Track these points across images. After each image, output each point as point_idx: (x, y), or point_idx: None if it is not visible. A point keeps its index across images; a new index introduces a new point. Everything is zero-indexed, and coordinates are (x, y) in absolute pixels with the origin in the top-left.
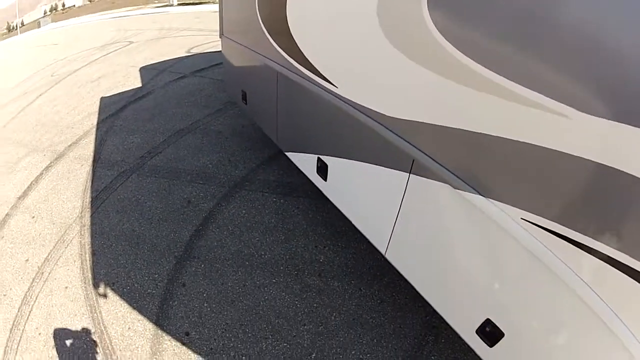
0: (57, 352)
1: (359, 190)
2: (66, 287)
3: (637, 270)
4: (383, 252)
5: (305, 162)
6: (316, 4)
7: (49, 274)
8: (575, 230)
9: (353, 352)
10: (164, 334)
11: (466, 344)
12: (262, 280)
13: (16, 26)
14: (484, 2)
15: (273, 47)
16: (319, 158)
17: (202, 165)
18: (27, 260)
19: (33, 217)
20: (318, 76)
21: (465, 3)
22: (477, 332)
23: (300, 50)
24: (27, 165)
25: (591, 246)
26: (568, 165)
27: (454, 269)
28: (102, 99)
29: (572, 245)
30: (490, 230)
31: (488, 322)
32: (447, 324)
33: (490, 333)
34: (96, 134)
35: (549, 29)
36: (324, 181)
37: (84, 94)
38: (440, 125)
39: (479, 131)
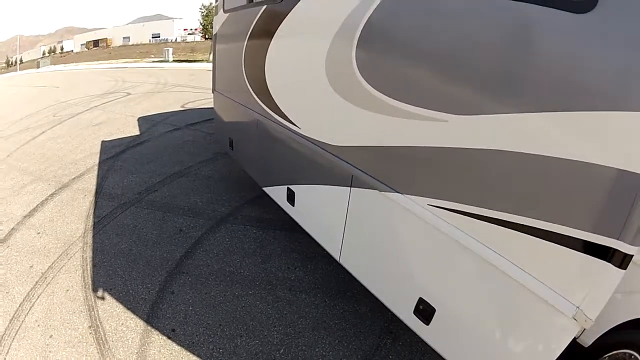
0: (54, 341)
1: (317, 209)
2: (67, 290)
3: (525, 225)
4: (337, 258)
5: (278, 193)
6: (284, 68)
7: (52, 278)
8: (467, 204)
9: (317, 350)
10: (152, 330)
11: (421, 346)
12: (240, 291)
13: (15, 62)
14: (390, 59)
15: (255, 99)
16: (288, 187)
17: (193, 202)
18: (31, 266)
19: (38, 233)
20: (286, 120)
21: (379, 61)
22: (414, 312)
23: (275, 102)
24: (33, 190)
25: (484, 214)
26: (450, 157)
27: (390, 258)
28: (103, 142)
29: (468, 217)
30: (408, 219)
31: (421, 300)
32: (404, 329)
33: (424, 311)
34: (98, 171)
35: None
36: (292, 207)
37: (85, 135)
38: (367, 146)
39: (390, 144)
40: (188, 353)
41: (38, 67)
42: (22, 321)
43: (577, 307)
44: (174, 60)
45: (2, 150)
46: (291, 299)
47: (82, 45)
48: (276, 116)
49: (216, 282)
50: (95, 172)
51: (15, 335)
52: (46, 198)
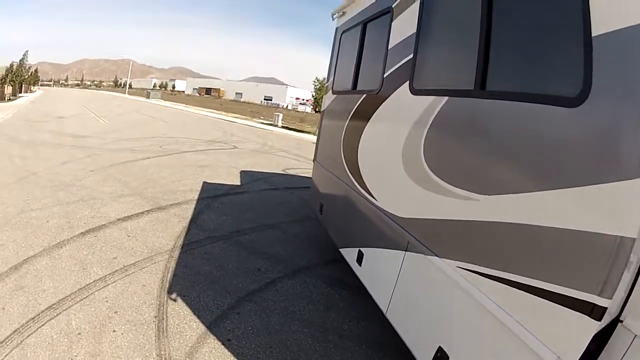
0: (117, 316)
1: (377, 268)
2: (144, 285)
3: (527, 285)
4: (385, 311)
5: (351, 253)
6: (373, 150)
7: (132, 273)
8: (484, 266)
9: None
10: (210, 335)
11: None
12: (297, 328)
13: (124, 84)
14: (445, 153)
15: (347, 173)
16: (359, 250)
17: (276, 251)
18: (115, 258)
19: (129, 236)
20: (368, 193)
21: (438, 153)
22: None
23: (362, 177)
24: (130, 202)
25: (495, 275)
26: (474, 230)
27: (421, 312)
28: (204, 182)
29: (487, 279)
30: (440, 275)
31: (439, 349)
32: None
33: (441, 358)
34: (195, 205)
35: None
36: (359, 266)
37: (188, 173)
38: (422, 218)
39: (436, 217)
40: (234, 359)
41: (148, 97)
42: (91, 294)
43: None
44: (282, 127)
45: (106, 160)
46: (338, 343)
47: (194, 89)
48: (361, 189)
49: (278, 315)
50: (193, 205)
51: (80, 301)
52: (142, 212)
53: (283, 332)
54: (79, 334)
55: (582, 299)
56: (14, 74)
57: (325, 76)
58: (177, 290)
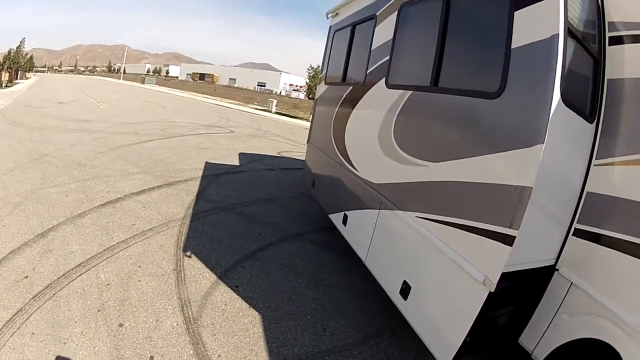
0: (141, 270)
1: (358, 226)
2: (161, 245)
3: (478, 228)
4: (364, 260)
5: (337, 218)
6: (356, 132)
7: (150, 236)
8: (433, 214)
9: (332, 324)
10: (221, 282)
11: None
12: (292, 278)
13: (117, 70)
14: (408, 132)
15: (335, 151)
16: (344, 213)
17: (273, 220)
18: (133, 224)
19: (144, 206)
20: (352, 166)
21: (404, 132)
22: (399, 292)
23: (347, 154)
24: (141, 179)
25: (439, 219)
26: (426, 189)
27: (390, 254)
28: (206, 162)
29: (432, 222)
30: (404, 225)
31: (404, 282)
32: (403, 328)
33: (405, 290)
34: (200, 182)
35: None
36: (344, 227)
37: (191, 154)
38: (390, 182)
39: (400, 181)
40: (242, 301)
41: (143, 82)
42: (116, 253)
43: (485, 276)
44: (276, 112)
45: (112, 142)
46: (327, 290)
47: (187, 74)
48: (346, 163)
49: (277, 269)
50: (198, 181)
51: (107, 259)
52: (153, 187)
53: (281, 281)
54: (108, 284)
55: (499, 231)
56: (12, 60)
57: (320, 64)
58: (191, 249)
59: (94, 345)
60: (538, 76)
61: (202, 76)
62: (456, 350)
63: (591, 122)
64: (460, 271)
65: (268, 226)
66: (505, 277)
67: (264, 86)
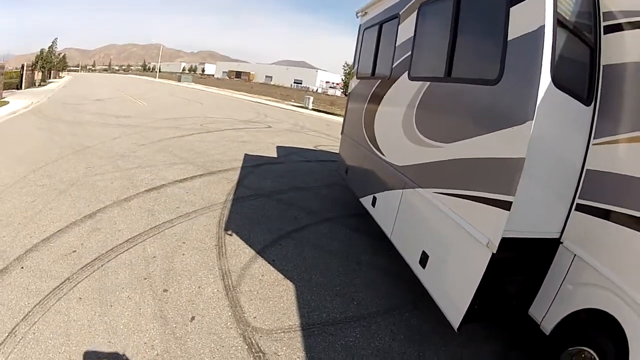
0: (185, 245)
1: (385, 205)
2: (204, 225)
3: (482, 198)
4: (389, 235)
5: (367, 200)
6: (384, 121)
7: (194, 217)
8: (450, 189)
9: (361, 295)
10: (259, 257)
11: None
12: (325, 255)
13: (152, 69)
14: (427, 119)
15: (366, 140)
16: (373, 195)
17: (308, 206)
18: (177, 207)
19: (187, 192)
20: (380, 152)
21: (424, 120)
22: (419, 262)
23: (377, 142)
24: (183, 168)
25: (452, 193)
26: (442, 167)
27: (414, 229)
28: (245, 154)
29: (450, 197)
30: (423, 201)
31: (423, 252)
32: (424, 299)
33: (423, 259)
34: (240, 171)
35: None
36: (373, 208)
37: (231, 146)
38: (412, 164)
39: (419, 163)
40: (277, 273)
41: (179, 80)
42: (161, 231)
43: (488, 240)
44: (313, 109)
45: (153, 136)
46: (356, 268)
47: (224, 72)
48: (375, 150)
49: (311, 247)
50: (238, 171)
51: (153, 236)
52: (195, 175)
53: (314, 257)
54: (154, 257)
55: (499, 198)
56: (44, 60)
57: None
58: (232, 228)
59: (140, 307)
60: (528, 63)
61: (238, 74)
62: (464, 313)
63: (588, 105)
64: (468, 237)
65: (303, 211)
66: (508, 243)
67: (301, 83)
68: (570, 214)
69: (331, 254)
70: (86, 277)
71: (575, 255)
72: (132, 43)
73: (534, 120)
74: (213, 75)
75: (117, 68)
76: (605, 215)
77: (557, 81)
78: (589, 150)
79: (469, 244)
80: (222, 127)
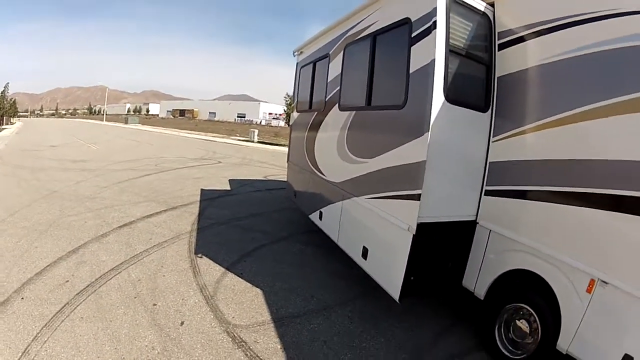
0: (163, 268)
1: (330, 217)
2: (177, 251)
3: (401, 195)
4: (336, 241)
5: (315, 215)
6: (322, 146)
7: (167, 246)
8: (375, 193)
9: (316, 294)
10: (229, 272)
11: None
12: (285, 267)
13: (98, 112)
14: (354, 140)
15: (309, 164)
16: (320, 211)
17: (264, 228)
18: (150, 239)
19: (155, 226)
20: (321, 173)
21: (352, 141)
22: (361, 256)
23: (317, 164)
24: (148, 205)
25: (378, 196)
26: (369, 176)
27: (353, 229)
28: (202, 189)
29: (375, 199)
30: (359, 207)
31: (364, 247)
32: (373, 288)
33: (365, 252)
34: (200, 205)
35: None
36: (320, 221)
37: (187, 183)
38: (347, 179)
39: (352, 177)
40: (246, 283)
41: (126, 122)
42: (141, 259)
43: (408, 225)
44: (259, 142)
45: (113, 178)
46: (310, 272)
47: (168, 111)
48: (317, 172)
49: (270, 261)
50: (197, 205)
51: (134, 264)
52: (160, 211)
53: (275, 268)
54: (139, 280)
55: (412, 193)
56: None
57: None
58: (201, 251)
59: (135, 320)
60: (423, 88)
61: (182, 112)
62: (400, 286)
63: (485, 112)
64: (395, 227)
65: (260, 232)
66: (425, 227)
67: (244, 117)
68: (481, 199)
69: (288, 264)
70: (83, 300)
71: (490, 230)
72: (77, 86)
73: (429, 132)
74: (157, 115)
75: (64, 112)
76: (507, 194)
77: (450, 99)
78: (490, 147)
79: (396, 232)
80: (175, 166)
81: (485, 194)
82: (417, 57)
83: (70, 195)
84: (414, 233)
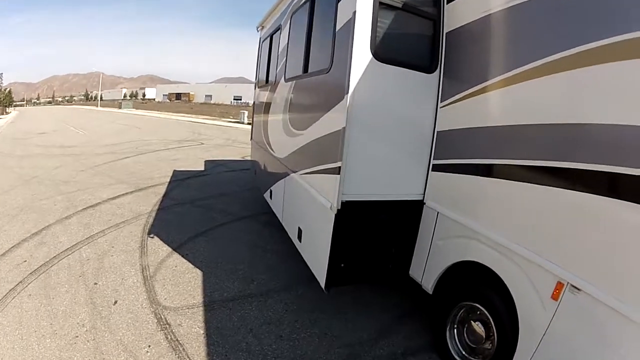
0: (113, 248)
1: (276, 195)
2: (131, 232)
3: (326, 169)
4: (281, 220)
5: (267, 195)
6: (273, 122)
7: (123, 226)
8: (306, 168)
9: (260, 276)
10: (175, 253)
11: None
12: (237, 246)
13: (94, 97)
14: (294, 115)
15: (264, 141)
16: (270, 189)
17: (227, 208)
18: (109, 219)
19: (118, 207)
20: (272, 150)
21: (292, 117)
22: (297, 237)
23: (269, 141)
24: (117, 187)
25: (309, 171)
26: (303, 151)
27: (293, 210)
28: (175, 170)
29: (307, 174)
30: (296, 182)
31: (299, 228)
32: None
33: (300, 234)
34: (168, 186)
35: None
36: (271, 200)
37: (161, 165)
38: (289, 154)
39: (292, 151)
40: (189, 264)
41: (120, 107)
42: (95, 239)
43: (331, 203)
44: (248, 123)
45: (92, 162)
46: (261, 254)
47: (164, 95)
48: (269, 148)
49: (222, 241)
50: (166, 185)
51: (88, 244)
52: (126, 192)
53: (224, 249)
54: (88, 259)
55: (333, 166)
56: None
57: None
58: (154, 232)
59: (75, 297)
60: (345, 45)
61: (178, 96)
62: (325, 272)
63: (431, 72)
64: (320, 205)
65: (221, 212)
66: (354, 205)
67: (241, 99)
68: (429, 175)
69: (241, 244)
70: (34, 279)
71: (438, 212)
72: (73, 73)
73: (349, 94)
74: (154, 99)
75: (60, 100)
76: (456, 169)
77: (380, 56)
78: (437, 114)
79: (322, 211)
80: (156, 148)
81: (432, 169)
82: (343, 12)
83: (47, 180)
84: (336, 213)
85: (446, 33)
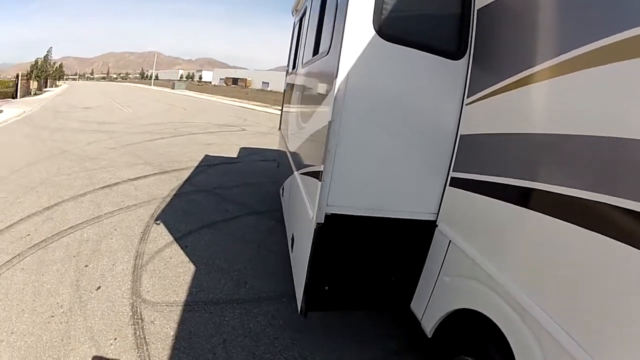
0: (115, 231)
1: (285, 193)
2: (139, 216)
3: (312, 172)
4: (285, 221)
5: (280, 190)
6: (289, 116)
7: (133, 209)
8: (302, 169)
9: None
10: (175, 242)
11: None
12: (240, 244)
13: (150, 76)
14: (303, 104)
15: (283, 133)
16: (282, 186)
17: (246, 200)
18: (122, 201)
19: (136, 189)
20: (287, 143)
21: (301, 106)
22: (290, 246)
23: (287, 131)
24: (141, 168)
25: (304, 172)
26: (303, 147)
27: (291, 213)
28: (206, 155)
29: (304, 175)
30: (295, 182)
31: (292, 235)
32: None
33: (292, 242)
34: (193, 170)
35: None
36: (282, 197)
37: (195, 148)
38: (294, 149)
39: (296, 146)
40: (185, 257)
41: (173, 87)
42: (101, 220)
43: (313, 214)
44: None
45: (125, 140)
46: (265, 255)
47: (220, 79)
48: (285, 141)
49: (228, 236)
50: (191, 170)
51: (92, 224)
52: (148, 174)
53: (227, 245)
54: (87, 240)
55: (316, 170)
56: (39, 69)
57: None
58: (161, 219)
59: (62, 277)
60: (341, 20)
61: (235, 81)
62: (302, 293)
63: (457, 59)
64: (306, 215)
65: (238, 204)
66: (342, 220)
67: None
68: (445, 191)
69: (246, 242)
70: (32, 253)
71: (450, 241)
72: (130, 51)
73: (337, 78)
74: (210, 82)
75: (115, 76)
76: (480, 188)
77: (386, 33)
78: (462, 112)
79: (306, 221)
80: (195, 130)
81: (450, 184)
82: None
83: (75, 156)
84: (315, 227)
85: (478, 10)
